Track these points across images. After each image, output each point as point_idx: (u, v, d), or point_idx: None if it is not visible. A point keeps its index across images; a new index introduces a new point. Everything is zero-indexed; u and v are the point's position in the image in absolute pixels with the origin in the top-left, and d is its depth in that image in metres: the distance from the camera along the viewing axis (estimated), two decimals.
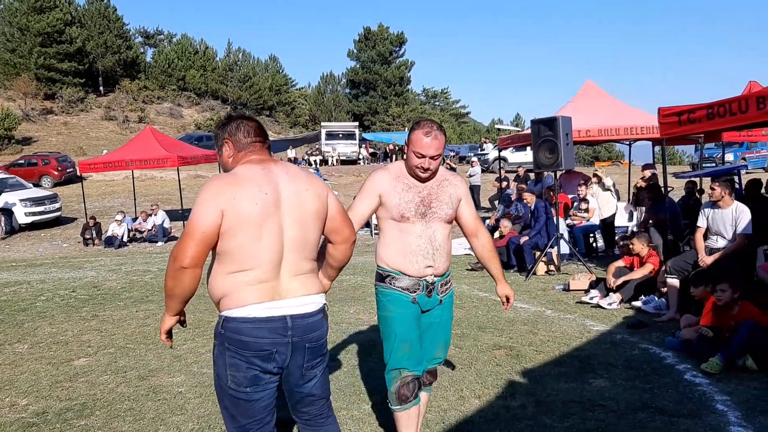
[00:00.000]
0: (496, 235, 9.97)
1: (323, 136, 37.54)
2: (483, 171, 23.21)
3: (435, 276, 3.04)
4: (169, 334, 2.50)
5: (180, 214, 17.36)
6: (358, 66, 59.31)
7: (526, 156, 25.53)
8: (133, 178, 21.93)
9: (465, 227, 3.24)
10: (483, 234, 3.27)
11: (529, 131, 10.28)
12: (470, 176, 18.56)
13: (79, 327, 6.66)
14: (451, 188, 3.08)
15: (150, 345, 5.72)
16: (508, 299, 3.29)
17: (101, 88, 54.39)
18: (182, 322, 2.52)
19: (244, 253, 2.29)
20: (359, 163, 36.61)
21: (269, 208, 2.32)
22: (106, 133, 45.94)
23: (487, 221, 11.93)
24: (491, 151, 29.05)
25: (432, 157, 2.94)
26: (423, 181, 2.99)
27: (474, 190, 18.53)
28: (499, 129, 46.05)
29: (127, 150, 17.46)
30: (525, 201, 10.06)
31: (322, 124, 41.85)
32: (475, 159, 19.79)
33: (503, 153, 21.03)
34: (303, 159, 37.43)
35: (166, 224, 16.12)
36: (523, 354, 4.97)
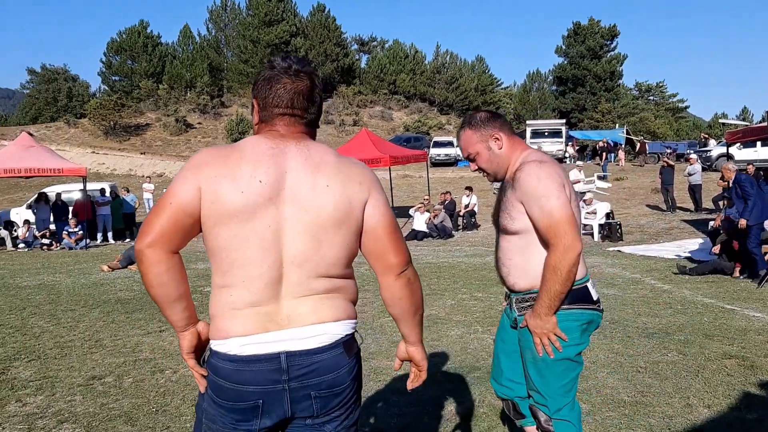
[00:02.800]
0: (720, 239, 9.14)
1: (528, 134, 36.93)
2: (705, 169, 21.27)
3: (509, 289, 2.60)
4: (197, 356, 1.82)
5: None
6: (566, 62, 57.38)
7: (756, 153, 22.92)
8: None
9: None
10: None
11: (764, 124, 9.27)
12: (689, 175, 17.12)
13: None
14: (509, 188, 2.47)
15: (368, 330, 6.13)
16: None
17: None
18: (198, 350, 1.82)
19: (226, 258, 1.70)
20: (565, 162, 35.50)
21: (260, 202, 1.67)
22: (324, 136, 49.61)
23: (711, 223, 11.00)
24: (715, 148, 26.50)
25: (470, 159, 2.61)
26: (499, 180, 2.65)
27: (694, 190, 17.07)
28: (723, 124, 41.76)
29: (344, 151, 18.74)
30: (725, 177, 9.05)
31: (527, 122, 41.18)
32: (693, 156, 18.19)
33: (729, 150, 19.11)
34: None
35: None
36: (758, 365, 4.57)
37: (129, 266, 11.16)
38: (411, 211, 16.97)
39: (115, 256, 11.94)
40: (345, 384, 1.78)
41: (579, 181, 16.74)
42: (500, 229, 2.54)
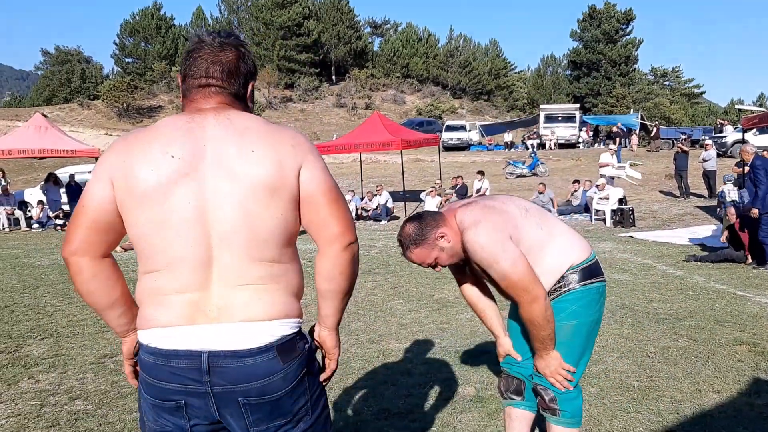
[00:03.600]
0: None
1: (542, 118, 36.66)
2: (720, 155, 21.02)
3: None
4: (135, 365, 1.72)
5: (401, 196, 18.21)
6: (580, 46, 56.81)
7: None
8: (360, 160, 23.47)
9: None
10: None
11: None
12: (704, 161, 16.92)
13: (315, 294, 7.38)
14: None
15: (378, 312, 6.15)
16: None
17: (333, 77, 58.73)
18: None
19: (146, 243, 1.56)
20: (578, 147, 35.22)
21: (175, 178, 1.52)
22: (336, 119, 49.56)
23: (726, 211, 10.89)
24: (731, 134, 26.20)
25: (432, 267, 2.58)
26: None
27: (709, 176, 16.89)
28: (740, 110, 41.26)
29: (356, 134, 18.70)
30: (744, 159, 8.96)
31: (541, 106, 40.87)
32: (709, 142, 17.95)
33: (745, 136, 18.83)
34: (521, 142, 37.01)
35: (389, 204, 17.02)
36: None
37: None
38: (422, 195, 17.00)
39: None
40: (281, 392, 1.57)
41: (608, 165, 16.37)
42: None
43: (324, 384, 1.74)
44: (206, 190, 1.53)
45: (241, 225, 1.53)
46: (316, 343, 1.76)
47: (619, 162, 25.18)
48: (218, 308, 1.53)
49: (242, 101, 1.71)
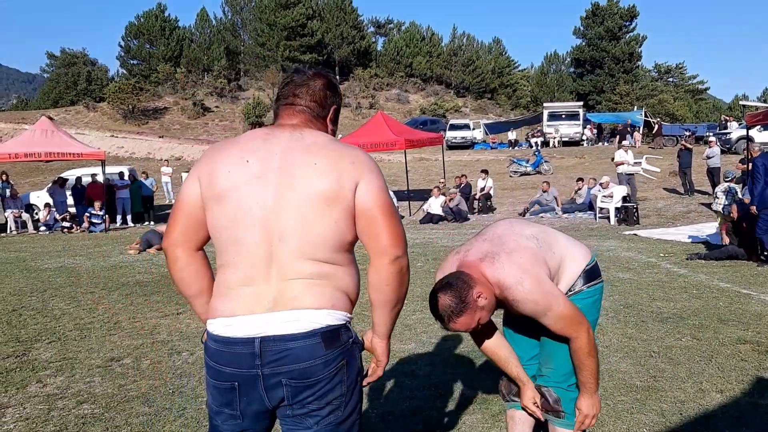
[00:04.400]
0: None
1: (545, 116, 36.62)
2: (724, 152, 20.97)
3: None
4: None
5: (406, 195, 18.25)
6: (584, 43, 56.70)
7: None
8: None
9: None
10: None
11: None
12: (708, 158, 16.88)
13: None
14: None
15: None
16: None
17: (337, 77, 58.60)
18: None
19: (220, 237, 1.77)
20: (582, 145, 35.15)
21: (247, 179, 1.74)
22: (340, 119, 49.27)
23: (724, 204, 10.87)
24: (735, 130, 26.10)
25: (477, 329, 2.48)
26: None
27: (713, 173, 16.85)
28: (744, 106, 41.06)
29: (360, 134, 18.72)
30: (753, 154, 8.98)
31: (545, 104, 40.80)
32: (713, 139, 17.89)
33: (749, 133, 18.73)
34: (525, 141, 36.97)
35: (394, 203, 17.05)
36: None
37: (148, 249, 11.30)
38: (425, 207, 16.73)
39: (135, 240, 12.08)
40: (320, 376, 1.70)
41: (623, 163, 16.20)
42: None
43: (364, 385, 1.89)
44: (272, 194, 1.73)
45: (297, 228, 1.71)
46: (367, 349, 1.92)
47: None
48: (274, 299, 1.71)
49: (323, 122, 1.92)
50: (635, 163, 17.23)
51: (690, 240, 10.62)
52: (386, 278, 1.77)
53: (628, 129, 31.63)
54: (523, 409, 2.72)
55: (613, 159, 24.45)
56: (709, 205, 14.86)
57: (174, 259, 1.84)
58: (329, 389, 1.73)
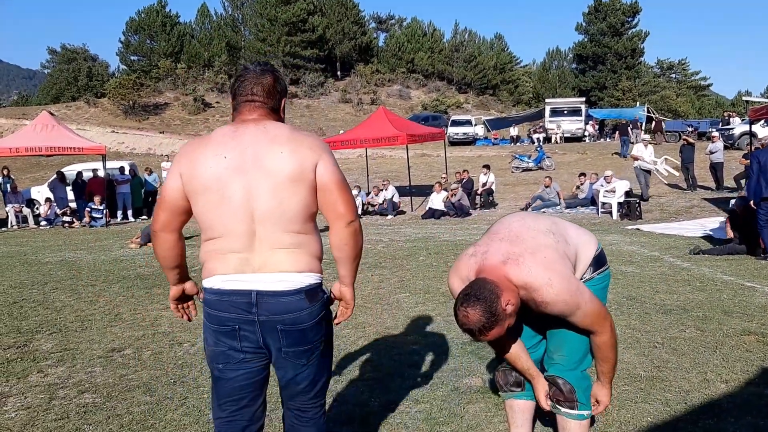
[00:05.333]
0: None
1: (547, 112, 36.58)
2: (727, 147, 20.91)
3: None
4: (179, 300, 2.43)
5: (408, 190, 18.21)
6: (586, 39, 56.63)
7: None
8: (366, 156, 23.47)
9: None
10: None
11: None
12: (711, 153, 16.83)
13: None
14: None
15: (385, 306, 6.15)
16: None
17: (338, 72, 58.68)
18: (196, 294, 2.43)
19: (207, 219, 2.16)
20: (584, 141, 35.11)
21: (227, 173, 2.11)
22: (342, 115, 49.55)
23: (732, 202, 10.85)
24: (738, 126, 26.05)
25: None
26: None
27: (716, 168, 16.81)
28: (747, 101, 41.01)
29: (362, 129, 18.68)
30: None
31: (547, 100, 40.76)
32: (715, 134, 17.85)
33: (752, 128, 18.68)
34: (527, 137, 36.92)
35: (396, 199, 17.01)
36: None
37: (148, 243, 11.29)
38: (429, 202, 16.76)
39: (136, 234, 12.07)
40: (307, 324, 2.18)
41: (639, 158, 16.00)
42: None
43: (336, 323, 2.40)
44: (249, 182, 2.11)
45: (274, 207, 2.12)
46: (333, 296, 2.37)
47: (625, 153, 25.00)
48: (261, 264, 2.14)
49: (277, 113, 2.30)
50: (653, 162, 16.79)
51: (693, 234, 10.58)
52: (344, 238, 2.21)
53: (629, 124, 31.48)
54: (536, 401, 2.69)
55: (620, 154, 23.91)
56: (711, 200, 14.84)
57: (162, 240, 2.24)
58: (314, 334, 2.22)
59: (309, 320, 2.18)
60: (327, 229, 2.27)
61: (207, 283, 2.20)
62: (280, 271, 2.13)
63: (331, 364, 2.42)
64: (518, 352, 2.63)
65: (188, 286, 2.42)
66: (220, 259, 2.16)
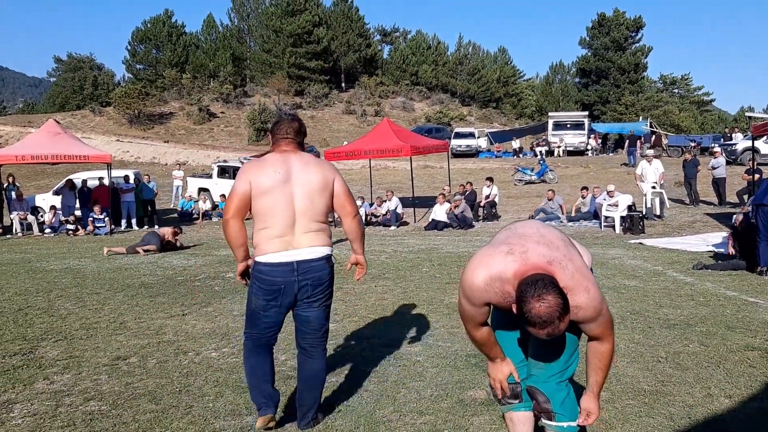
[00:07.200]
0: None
1: (550, 126, 36.63)
2: (729, 163, 20.93)
3: None
4: (243, 275, 3.45)
5: (411, 202, 18.23)
6: (589, 54, 56.80)
7: None
8: (370, 167, 23.53)
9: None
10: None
11: None
12: (713, 168, 16.85)
13: None
14: None
15: (389, 316, 6.17)
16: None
17: (343, 84, 58.89)
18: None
19: (264, 213, 3.27)
20: (587, 154, 35.13)
21: (279, 183, 3.28)
22: (346, 126, 49.66)
23: (735, 217, 10.85)
24: (741, 142, 26.08)
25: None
26: None
27: (718, 183, 16.83)
28: (750, 117, 41.07)
29: (366, 140, 18.74)
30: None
31: (550, 113, 40.84)
32: (717, 149, 17.89)
33: (755, 144, 18.69)
34: (530, 150, 36.95)
35: (399, 210, 17.03)
36: None
37: (137, 249, 11.41)
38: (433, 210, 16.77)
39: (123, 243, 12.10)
40: (325, 279, 3.40)
41: (638, 179, 15.50)
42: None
43: (357, 279, 3.74)
44: (292, 190, 3.32)
45: (308, 206, 3.33)
46: (353, 263, 3.66)
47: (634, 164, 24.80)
48: (298, 243, 3.31)
49: (302, 146, 3.53)
50: (653, 184, 15.32)
51: (696, 249, 10.58)
52: (353, 225, 3.51)
53: (640, 138, 31.33)
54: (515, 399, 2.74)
55: (627, 164, 23.06)
56: (714, 215, 14.84)
57: (232, 225, 3.31)
58: (327, 287, 3.44)
59: (327, 277, 3.40)
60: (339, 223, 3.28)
61: (261, 258, 3.29)
62: (311, 245, 3.31)
63: (330, 314, 3.56)
64: (488, 333, 2.66)
65: (250, 261, 3.40)
66: (271, 242, 3.26)
